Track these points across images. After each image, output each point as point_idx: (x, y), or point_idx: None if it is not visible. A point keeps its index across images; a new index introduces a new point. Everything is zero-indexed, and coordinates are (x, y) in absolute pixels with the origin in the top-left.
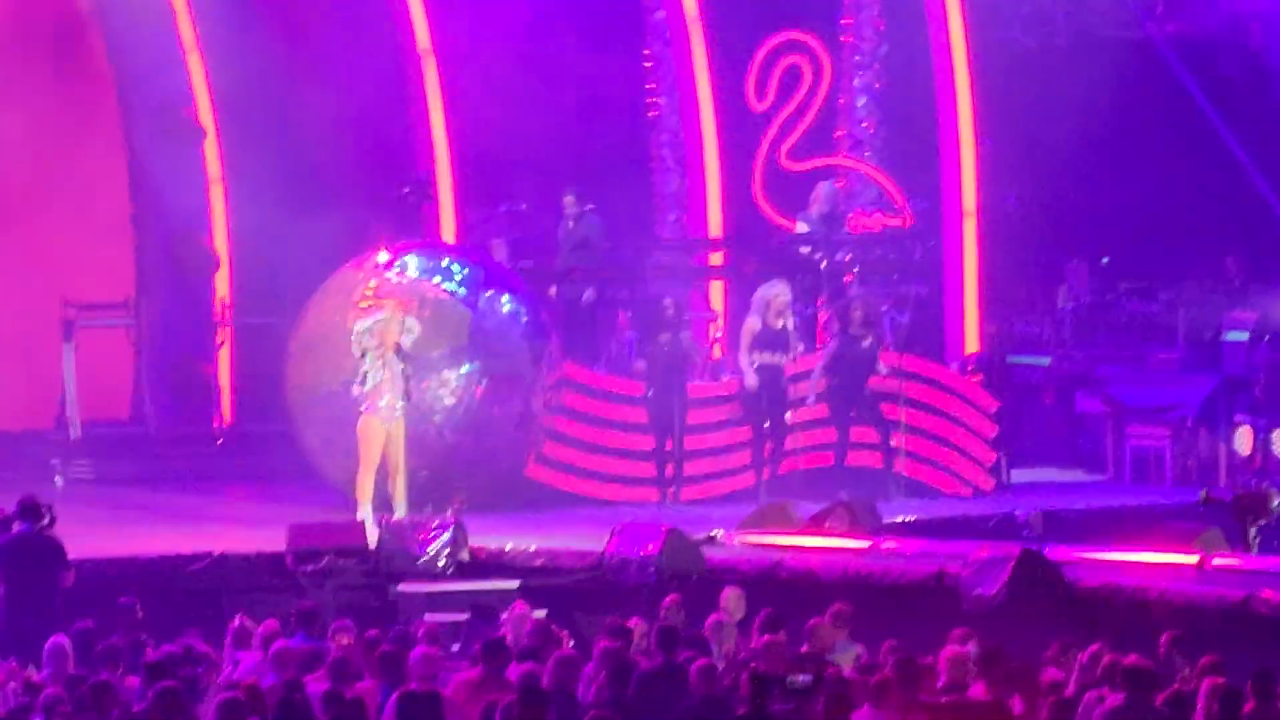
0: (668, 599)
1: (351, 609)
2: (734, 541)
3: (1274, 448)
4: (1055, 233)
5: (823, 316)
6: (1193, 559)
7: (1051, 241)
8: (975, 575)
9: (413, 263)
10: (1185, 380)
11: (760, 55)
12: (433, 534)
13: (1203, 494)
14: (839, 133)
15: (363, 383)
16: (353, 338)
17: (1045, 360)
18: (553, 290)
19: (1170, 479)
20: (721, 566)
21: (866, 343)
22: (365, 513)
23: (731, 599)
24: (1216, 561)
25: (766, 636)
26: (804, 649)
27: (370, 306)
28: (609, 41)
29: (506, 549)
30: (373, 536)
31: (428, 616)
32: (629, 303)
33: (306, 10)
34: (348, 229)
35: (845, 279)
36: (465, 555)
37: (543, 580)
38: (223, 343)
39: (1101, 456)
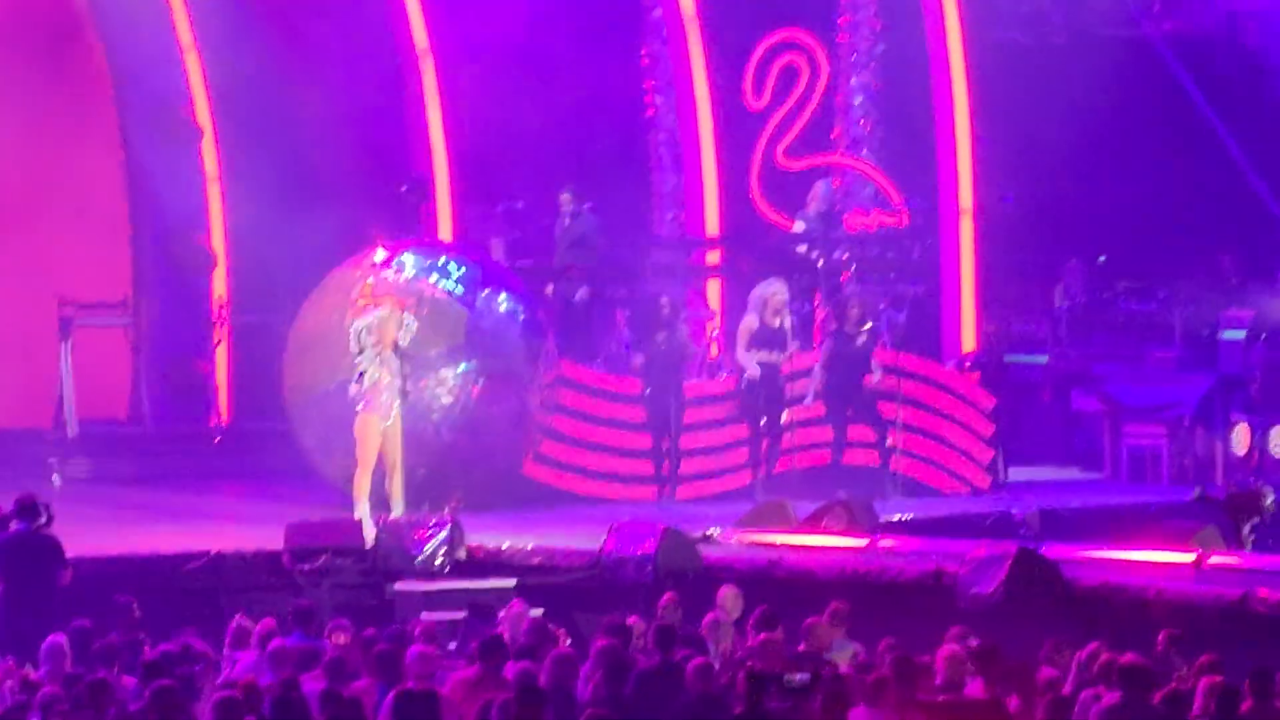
0: (665, 597)
1: (348, 608)
2: (731, 540)
3: (1270, 446)
4: (1052, 231)
5: (819, 315)
6: (1190, 557)
7: (1048, 240)
8: (972, 574)
9: (410, 261)
10: (1182, 379)
11: (757, 54)
12: (430, 533)
13: (1197, 492)
14: (836, 131)
15: (360, 381)
16: (350, 336)
17: (1042, 359)
18: (549, 289)
19: (1167, 477)
20: (718, 565)
21: (861, 340)
22: (362, 511)
23: (729, 597)
24: (1213, 560)
25: (763, 635)
26: (801, 647)
27: (367, 305)
28: (606, 40)
29: (503, 547)
30: (370, 535)
31: (425, 615)
32: (626, 301)
33: (304, 10)
34: (345, 228)
35: (842, 277)
36: (462, 554)
37: (540, 579)
38: (220, 341)
39: (1098, 455)
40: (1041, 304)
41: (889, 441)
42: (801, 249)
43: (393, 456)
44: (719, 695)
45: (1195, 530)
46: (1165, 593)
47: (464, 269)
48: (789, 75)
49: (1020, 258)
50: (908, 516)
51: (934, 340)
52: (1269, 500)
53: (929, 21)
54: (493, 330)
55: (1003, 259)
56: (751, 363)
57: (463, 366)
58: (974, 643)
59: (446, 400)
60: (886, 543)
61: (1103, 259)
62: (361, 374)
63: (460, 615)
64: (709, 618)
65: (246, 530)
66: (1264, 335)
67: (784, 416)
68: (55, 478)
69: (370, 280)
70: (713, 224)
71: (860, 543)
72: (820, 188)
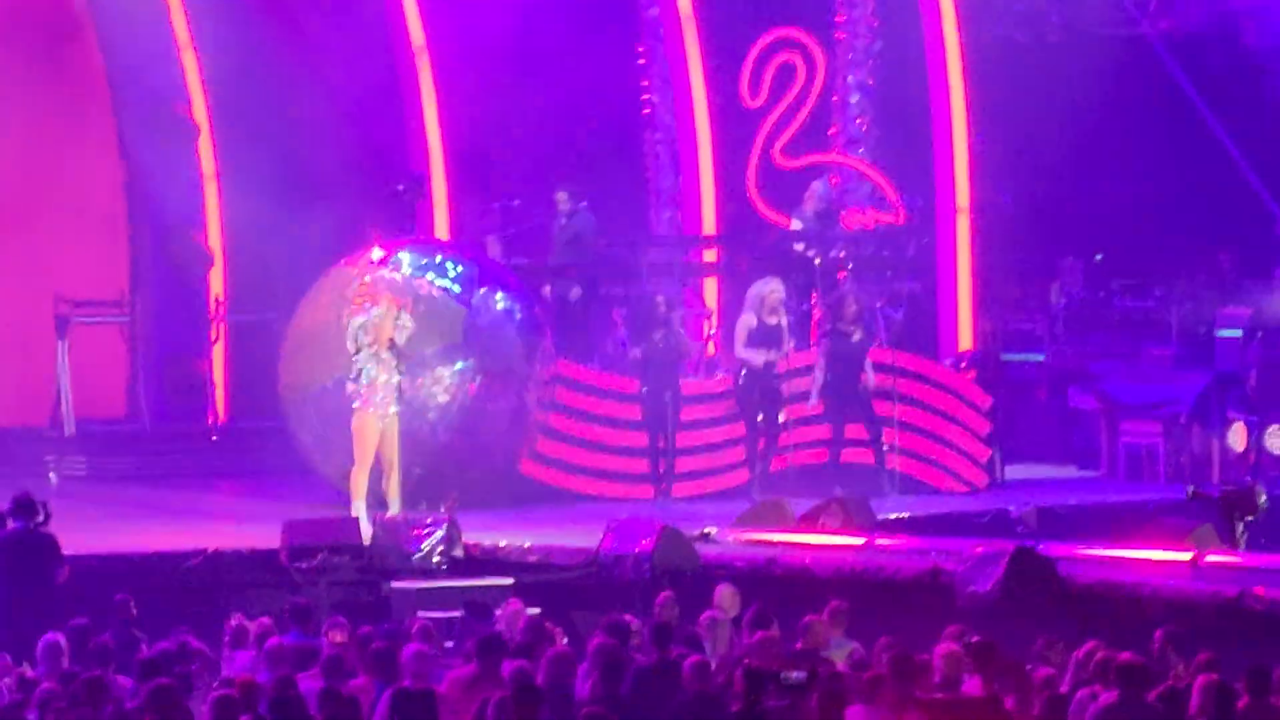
0: (662, 596)
1: (345, 606)
2: (728, 538)
3: (1267, 444)
4: (1049, 229)
5: (816, 313)
6: (1186, 556)
7: (1045, 238)
8: (969, 572)
9: (406, 259)
10: (1178, 377)
11: (754, 52)
12: (426, 531)
13: (1190, 490)
14: (833, 130)
15: (357, 379)
16: (347, 334)
17: (1039, 357)
18: (547, 290)
19: (1163, 475)
20: (716, 563)
21: (856, 337)
22: (359, 509)
23: (726, 596)
24: (1210, 558)
25: (759, 633)
26: (798, 646)
27: (364, 303)
28: (603, 38)
29: (500, 546)
30: (367, 533)
31: (421, 613)
32: (623, 300)
33: (300, 7)
34: (342, 226)
35: (839, 276)
36: (459, 552)
37: (537, 577)
38: (217, 339)
39: (1095, 453)
40: (1038, 302)
41: (884, 439)
42: (798, 247)
43: (390, 455)
44: (716, 693)
45: (1192, 528)
46: (1162, 591)
47: (461, 267)
48: (786, 73)
49: (1017, 256)
50: (905, 515)
51: (931, 338)
52: (1262, 498)
53: (926, 19)
54: (489, 328)
55: (999, 257)
56: (756, 356)
57: (459, 365)
58: (974, 639)
59: (443, 398)
60: (884, 541)
61: (1099, 257)
62: (358, 372)
63: (457, 614)
64: (706, 616)
65: (243, 528)
66: (1260, 333)
67: (781, 417)
68: (52, 476)
69: (367, 278)
70: (709, 222)
71: (857, 541)
72: (817, 186)
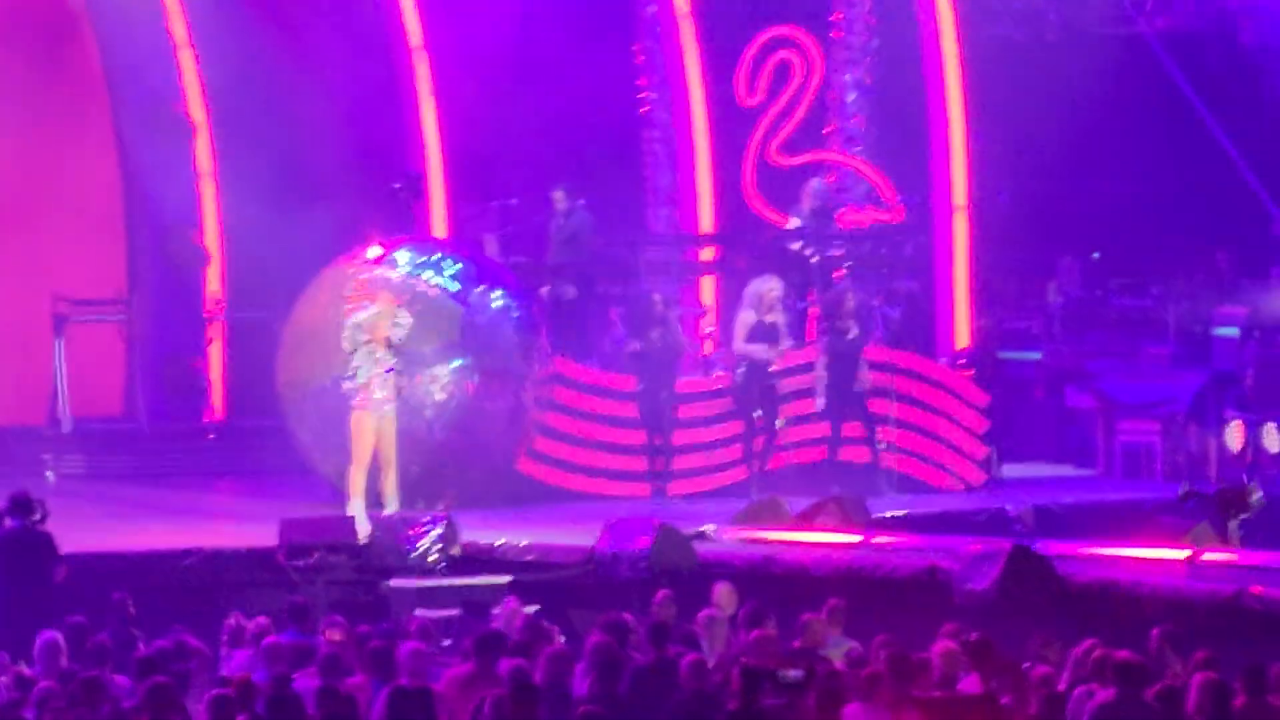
0: (659, 594)
1: (343, 604)
2: (726, 537)
3: (1264, 443)
4: (1046, 228)
5: (814, 312)
6: (1184, 554)
7: (1042, 237)
8: (966, 570)
9: (404, 258)
10: (1176, 375)
11: (751, 50)
12: (424, 529)
13: (1184, 488)
14: (830, 128)
15: (354, 378)
16: (344, 332)
17: (1036, 355)
18: (545, 290)
19: (1161, 474)
20: (713, 561)
21: (853, 336)
22: (356, 508)
23: (723, 594)
24: (1207, 556)
25: (756, 631)
26: (797, 644)
27: (362, 301)
28: (600, 37)
29: (498, 544)
30: (364, 532)
31: (419, 612)
32: (620, 299)
33: (298, 6)
34: (339, 224)
35: (836, 274)
36: (456, 551)
37: (534, 576)
38: (214, 338)
39: (1092, 451)
40: (1035, 301)
41: (878, 438)
42: (795, 246)
43: (387, 453)
44: (713, 692)
45: (1189, 527)
46: (1159, 589)
47: (458, 266)
48: (783, 72)
49: (1014, 254)
50: (902, 513)
51: (928, 337)
52: (1256, 496)
53: (923, 17)
54: (487, 327)
55: (997, 256)
56: (758, 350)
57: (457, 363)
58: (974, 636)
59: (440, 397)
60: (881, 539)
61: (1097, 256)
62: (356, 371)
63: (454, 612)
64: (703, 614)
65: (241, 527)
66: (1258, 332)
67: (779, 422)
68: (49, 474)
69: (364, 277)
70: (707, 221)
71: (855, 539)
72: (814, 184)
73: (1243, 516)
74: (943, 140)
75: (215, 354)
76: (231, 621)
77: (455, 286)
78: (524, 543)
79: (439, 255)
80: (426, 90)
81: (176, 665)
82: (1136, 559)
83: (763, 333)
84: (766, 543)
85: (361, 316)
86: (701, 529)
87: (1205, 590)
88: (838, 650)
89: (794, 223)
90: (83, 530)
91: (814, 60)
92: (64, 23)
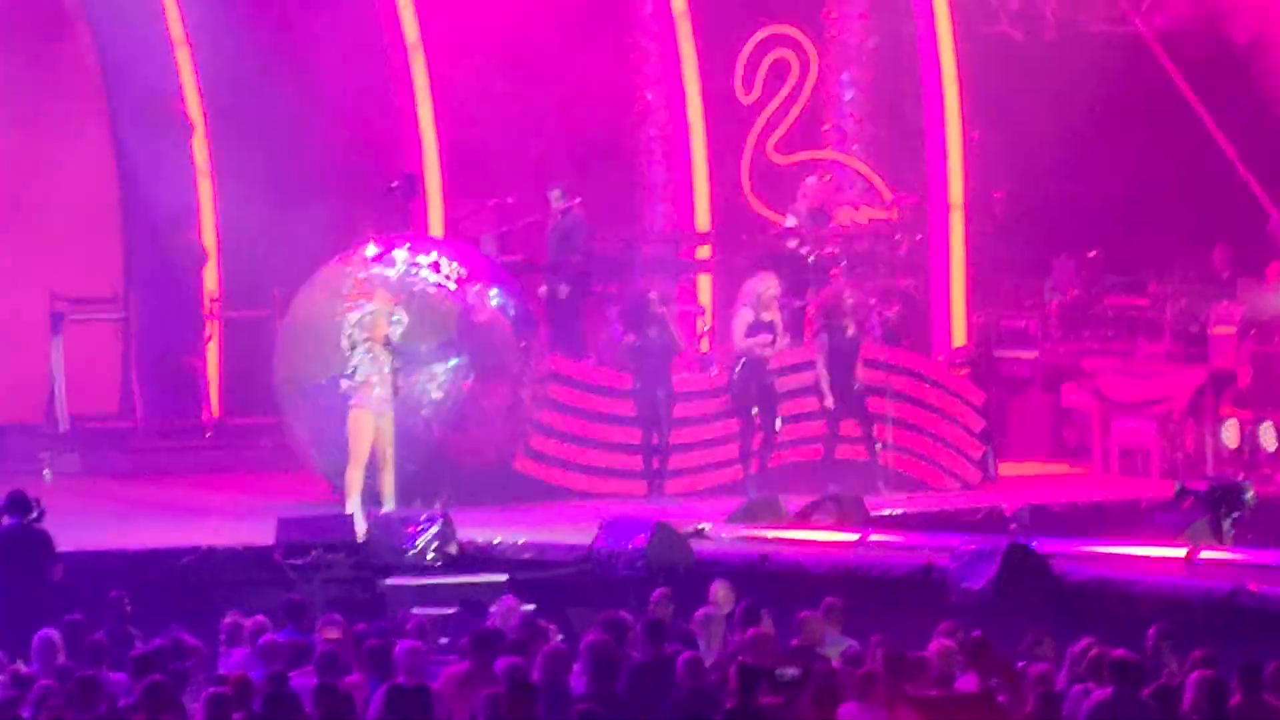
0: (656, 592)
1: (340, 603)
2: (722, 535)
3: (1261, 441)
4: (1042, 226)
5: (810, 310)
6: (1180, 552)
7: (1038, 235)
8: (963, 568)
9: (401, 256)
10: (1172, 374)
11: (747, 49)
12: (421, 528)
13: (1177, 486)
14: (826, 126)
15: (352, 376)
16: (342, 330)
17: (1032, 354)
18: (543, 290)
19: (1157, 473)
20: (710, 560)
21: (850, 334)
22: (354, 506)
23: (721, 592)
24: (1204, 554)
25: (751, 629)
26: (795, 642)
27: (359, 299)
28: (597, 35)
29: (495, 543)
30: (361, 530)
31: (416, 610)
32: (617, 297)
33: (294, 3)
34: (336, 223)
35: (832, 272)
36: (453, 549)
37: (531, 574)
38: (211, 336)
39: (1088, 450)
40: (1032, 299)
41: (875, 436)
42: (792, 244)
43: (385, 452)
44: (710, 690)
45: (1186, 525)
46: (1156, 587)
47: (455, 264)
48: (779, 70)
49: (1010, 252)
50: (898, 511)
51: (924, 335)
52: (1249, 494)
53: (919, 16)
54: (484, 325)
55: (993, 254)
56: (759, 345)
57: (453, 361)
58: (976, 634)
59: (437, 395)
60: (877, 537)
61: (1093, 254)
62: (353, 369)
63: (451, 610)
64: (700, 613)
65: (238, 525)
66: (1254, 330)
67: (778, 424)
68: (46, 472)
69: (361, 275)
70: (703, 219)
71: (851, 537)
72: (811, 183)
73: (1236, 514)
74: (938, 138)
75: (212, 352)
76: (228, 620)
77: (452, 285)
78: (521, 541)
79: (436, 253)
80: (423, 88)
81: (173, 663)
82: (1133, 557)
83: (760, 331)
84: (764, 541)
85: (359, 315)
86: (698, 527)
87: (1202, 589)
88: (834, 649)
89: (790, 221)
90: (79, 528)
91: (810, 59)
92: (60, 20)
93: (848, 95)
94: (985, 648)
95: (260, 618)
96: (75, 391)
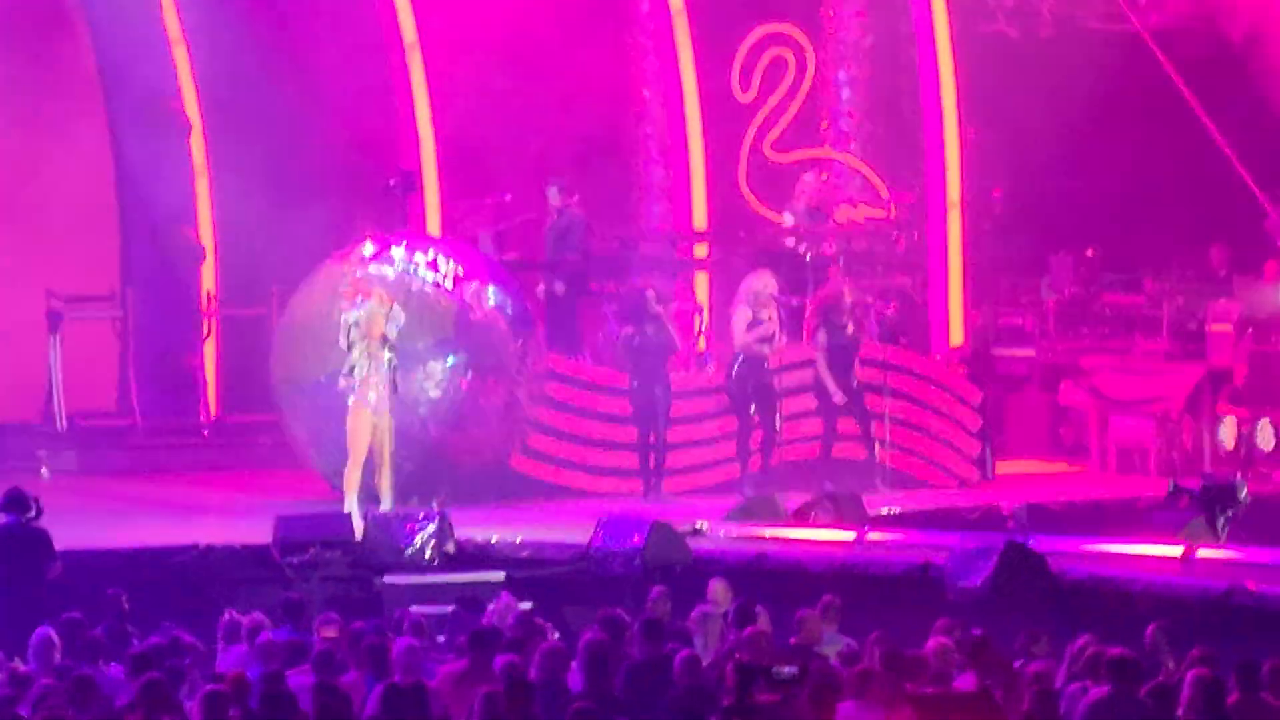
0: (654, 591)
1: (337, 601)
2: (720, 533)
3: (1258, 439)
4: (1040, 224)
5: (809, 308)
6: (1177, 550)
7: (1036, 233)
8: (960, 567)
9: (398, 255)
10: (1170, 372)
11: (745, 47)
12: (418, 526)
13: (1171, 484)
14: (823, 125)
15: (350, 374)
16: (340, 329)
17: (1029, 352)
18: (540, 289)
19: (1154, 471)
20: (707, 558)
21: (848, 332)
22: (352, 505)
23: (718, 590)
24: (1201, 553)
25: (747, 628)
26: (793, 641)
27: (356, 298)
28: (594, 33)
29: (492, 541)
30: (359, 528)
31: (413, 608)
32: (613, 295)
33: (292, 2)
34: (333, 221)
35: (830, 271)
36: (451, 547)
37: (528, 572)
38: (208, 334)
39: (1085, 448)
40: (1029, 297)
41: (874, 435)
42: (789, 242)
43: (383, 450)
44: (708, 688)
45: (1183, 523)
46: (1153, 586)
47: (452, 262)
48: (776, 69)
49: (1008, 251)
50: (896, 510)
51: (921, 334)
52: (1243, 492)
53: (916, 14)
54: (481, 324)
55: (990, 252)
56: (759, 343)
57: (451, 360)
58: (974, 632)
59: (434, 394)
60: (875, 536)
61: (1090, 252)
62: (351, 367)
63: (449, 609)
64: (698, 611)
65: (235, 523)
66: (1251, 328)
67: (778, 423)
68: (44, 471)
69: (359, 273)
70: (700, 217)
71: (848, 536)
72: (808, 181)
73: (1230, 512)
74: (936, 137)
75: (210, 350)
76: (226, 618)
77: (449, 284)
78: (518, 539)
79: (433, 252)
80: (420, 87)
81: (171, 661)
82: (1130, 555)
83: (759, 330)
84: (761, 539)
85: (356, 313)
86: (696, 525)
87: (1199, 587)
88: (832, 647)
89: (788, 219)
90: (77, 526)
91: (807, 57)
92: (58, 20)
93: (845, 93)
94: (983, 646)
95: (258, 616)
96: (73, 390)
